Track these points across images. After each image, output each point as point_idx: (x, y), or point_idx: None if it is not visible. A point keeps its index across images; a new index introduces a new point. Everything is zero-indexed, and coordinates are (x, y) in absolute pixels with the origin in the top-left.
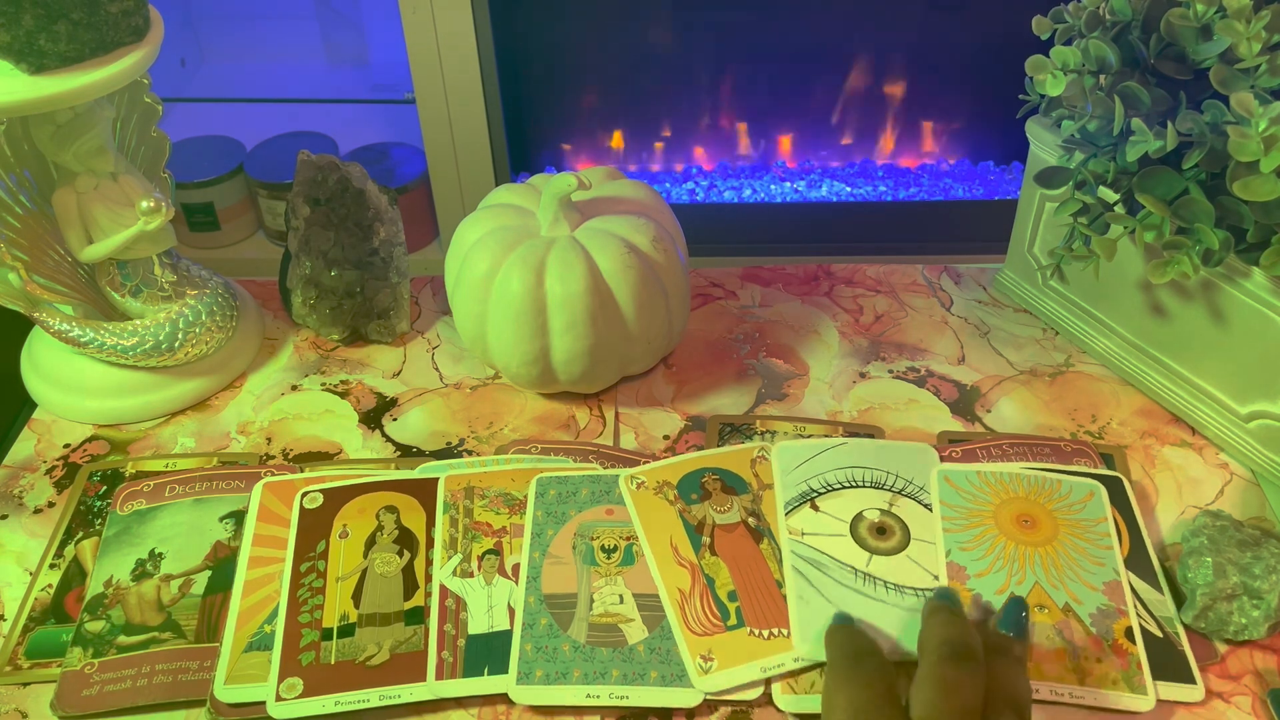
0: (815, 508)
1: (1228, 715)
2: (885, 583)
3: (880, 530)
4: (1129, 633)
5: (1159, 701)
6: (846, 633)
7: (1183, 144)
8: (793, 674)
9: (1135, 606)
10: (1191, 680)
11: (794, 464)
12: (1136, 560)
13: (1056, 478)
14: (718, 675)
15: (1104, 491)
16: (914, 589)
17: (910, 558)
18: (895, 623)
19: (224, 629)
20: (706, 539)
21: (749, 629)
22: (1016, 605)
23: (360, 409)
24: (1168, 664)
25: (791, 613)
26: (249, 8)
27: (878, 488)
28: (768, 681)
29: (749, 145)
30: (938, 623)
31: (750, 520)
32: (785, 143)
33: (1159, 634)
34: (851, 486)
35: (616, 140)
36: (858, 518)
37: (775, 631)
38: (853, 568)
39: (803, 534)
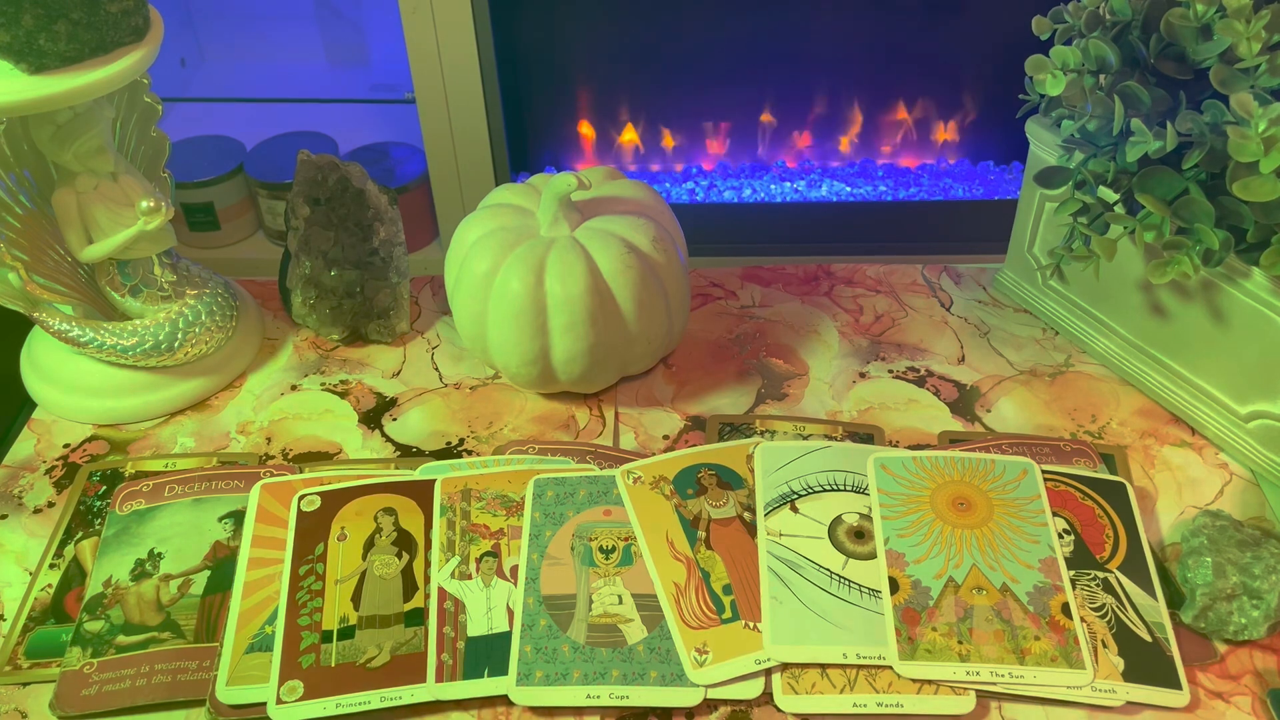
0: (795, 509)
1: (1228, 715)
2: (860, 586)
3: (858, 534)
4: (1065, 608)
5: (1140, 705)
6: None
7: (1183, 144)
8: (792, 672)
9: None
10: (1177, 686)
11: (776, 465)
12: (1132, 563)
13: (990, 458)
14: (712, 668)
15: (1036, 469)
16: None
17: None
18: (864, 625)
19: (224, 630)
20: (702, 533)
21: (744, 622)
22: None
23: (360, 409)
24: (1155, 668)
25: (764, 613)
26: (249, 8)
27: (858, 492)
28: (767, 677)
29: (749, 145)
30: None
31: (745, 515)
32: (785, 142)
33: (1148, 638)
34: (832, 490)
35: (617, 140)
36: (836, 521)
37: None
38: (828, 570)
39: (780, 535)
